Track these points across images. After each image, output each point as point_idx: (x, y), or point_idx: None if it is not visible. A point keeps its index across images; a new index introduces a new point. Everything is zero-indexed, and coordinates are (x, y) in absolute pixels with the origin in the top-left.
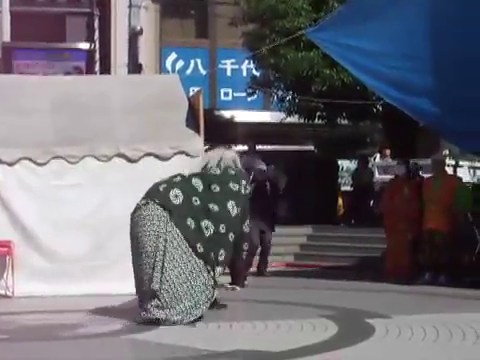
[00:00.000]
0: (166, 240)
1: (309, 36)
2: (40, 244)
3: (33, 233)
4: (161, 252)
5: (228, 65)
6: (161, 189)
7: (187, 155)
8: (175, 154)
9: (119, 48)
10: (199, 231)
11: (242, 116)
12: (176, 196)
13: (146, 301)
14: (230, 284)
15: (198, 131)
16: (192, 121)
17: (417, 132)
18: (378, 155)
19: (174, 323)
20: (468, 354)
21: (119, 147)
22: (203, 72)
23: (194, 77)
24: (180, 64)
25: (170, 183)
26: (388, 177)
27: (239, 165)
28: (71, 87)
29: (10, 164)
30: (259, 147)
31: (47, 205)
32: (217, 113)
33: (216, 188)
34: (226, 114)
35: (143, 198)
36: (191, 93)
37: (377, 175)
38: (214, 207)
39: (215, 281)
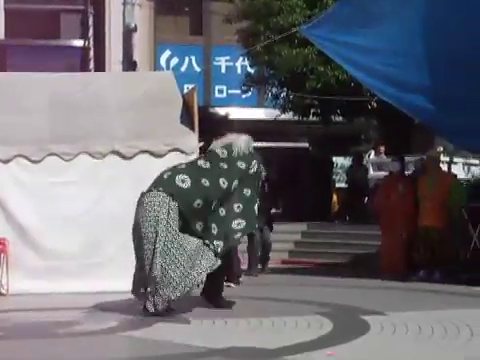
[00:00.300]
0: (167, 225)
1: (303, 33)
2: (35, 242)
3: (28, 230)
4: (161, 238)
5: (222, 62)
6: (165, 177)
7: (182, 152)
8: (170, 151)
9: (113, 45)
10: (206, 209)
11: (236, 113)
12: (183, 181)
13: (148, 289)
14: (225, 281)
15: (192, 128)
16: (187, 118)
17: (412, 129)
18: (372, 152)
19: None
20: (462, 351)
21: (114, 144)
22: (197, 69)
23: (188, 74)
24: (174, 61)
25: (175, 170)
26: (383, 174)
27: (251, 148)
28: (65, 84)
29: (5, 162)
30: (254, 144)
31: (42, 202)
32: (212, 110)
33: (224, 166)
34: (221, 111)
35: (147, 188)
36: (185, 90)
37: (372, 172)
38: (224, 183)
39: (217, 252)
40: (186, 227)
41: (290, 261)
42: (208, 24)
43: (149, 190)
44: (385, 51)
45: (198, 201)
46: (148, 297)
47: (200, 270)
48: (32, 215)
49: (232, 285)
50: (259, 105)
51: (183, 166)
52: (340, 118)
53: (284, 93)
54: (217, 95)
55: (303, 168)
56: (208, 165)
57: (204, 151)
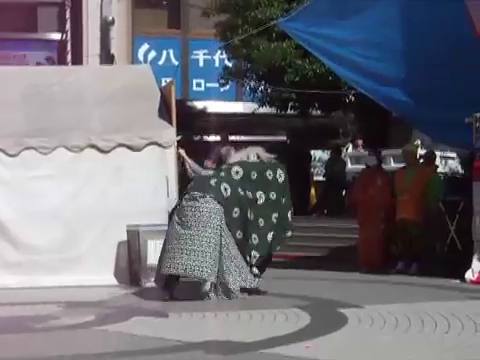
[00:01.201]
0: (223, 231)
1: (281, 26)
2: (12, 236)
3: (5, 225)
4: (215, 244)
5: (200, 55)
6: (213, 184)
7: (159, 146)
8: (147, 145)
9: (91, 38)
10: (242, 218)
11: (214, 107)
12: (225, 189)
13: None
14: None
15: (170, 122)
16: (164, 112)
17: (389, 122)
18: (350, 145)
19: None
20: (440, 343)
21: (91, 138)
22: (175, 62)
23: (166, 67)
24: (152, 54)
25: (219, 178)
26: (361, 167)
27: (264, 158)
28: (43, 78)
29: None
30: (232, 138)
31: (19, 196)
32: (189, 104)
33: (254, 175)
34: (198, 105)
35: (196, 190)
36: (163, 83)
37: (349, 165)
38: (250, 193)
39: (251, 265)
40: (231, 234)
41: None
42: (186, 17)
43: (202, 195)
44: (363, 44)
45: (235, 209)
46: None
47: (235, 285)
48: (9, 209)
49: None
50: (237, 99)
51: (222, 174)
52: (318, 112)
53: (262, 87)
54: (195, 88)
55: (281, 161)
56: (240, 175)
57: (181, 145)
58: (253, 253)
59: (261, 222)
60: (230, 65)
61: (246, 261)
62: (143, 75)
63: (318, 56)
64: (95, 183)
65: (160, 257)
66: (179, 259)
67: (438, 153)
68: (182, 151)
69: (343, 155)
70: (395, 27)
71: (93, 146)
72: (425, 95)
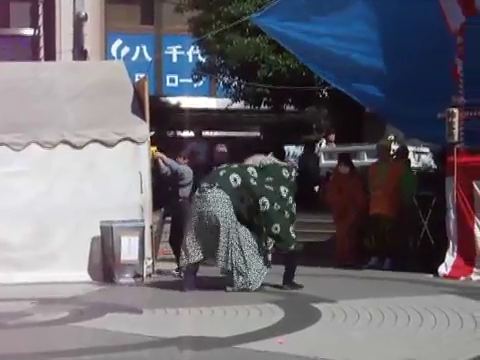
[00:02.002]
0: (229, 222)
1: (254, 21)
2: None
3: None
4: (224, 232)
5: (174, 51)
6: (221, 174)
7: (132, 141)
8: (120, 141)
9: (64, 34)
10: (255, 207)
11: (188, 102)
12: (235, 180)
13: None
14: (177, 270)
15: (144, 117)
16: (137, 108)
17: (363, 118)
18: (324, 141)
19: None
20: (413, 337)
21: (64, 134)
22: (149, 58)
23: (140, 63)
24: (125, 50)
25: (229, 169)
26: (334, 162)
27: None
28: (15, 73)
29: None
30: (205, 133)
31: None
32: (163, 99)
33: (271, 174)
34: (172, 100)
35: (205, 182)
36: (137, 79)
37: (323, 160)
38: (269, 188)
39: (267, 250)
40: (243, 222)
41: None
42: (159, 13)
43: (209, 186)
44: (336, 39)
45: (248, 198)
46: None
47: (255, 276)
48: None
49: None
50: (211, 94)
51: (235, 166)
52: (291, 107)
53: (235, 82)
54: (168, 84)
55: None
56: (257, 171)
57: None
58: (269, 240)
59: (287, 215)
60: (203, 61)
61: (263, 247)
62: (116, 71)
63: (291, 51)
64: (68, 179)
65: (182, 248)
66: (195, 249)
67: (411, 148)
68: (154, 148)
69: (316, 150)
70: (369, 23)
71: (66, 142)
72: (398, 90)
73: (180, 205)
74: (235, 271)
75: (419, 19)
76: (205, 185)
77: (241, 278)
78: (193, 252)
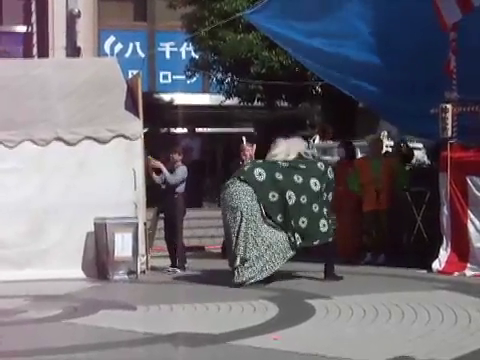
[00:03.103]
0: (249, 212)
1: (247, 18)
2: None
3: None
4: (243, 222)
5: (167, 48)
6: (246, 169)
7: (126, 138)
8: (114, 137)
9: (57, 31)
10: (281, 202)
11: (181, 99)
12: (260, 174)
13: (235, 264)
14: (171, 267)
15: (137, 114)
16: (131, 104)
17: (356, 113)
18: (317, 136)
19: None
20: (407, 333)
21: (57, 131)
22: (142, 55)
23: (133, 60)
24: (119, 47)
25: (254, 163)
26: (327, 158)
27: (308, 154)
28: (8, 70)
29: None
30: (199, 130)
31: None
32: (156, 96)
33: (301, 166)
34: (165, 97)
35: (231, 177)
36: (130, 76)
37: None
38: (298, 180)
39: (295, 245)
40: (267, 218)
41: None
42: (152, 10)
43: (233, 181)
44: (329, 35)
45: (273, 193)
46: (235, 271)
47: (273, 263)
48: None
49: (178, 270)
50: (204, 91)
51: (260, 161)
52: (285, 103)
53: (229, 78)
54: (162, 81)
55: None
56: (286, 164)
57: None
58: (297, 236)
59: (315, 207)
60: (197, 57)
61: (290, 243)
62: (109, 68)
63: (284, 47)
64: (62, 176)
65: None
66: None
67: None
68: (153, 161)
69: (310, 146)
70: (363, 18)
71: (59, 139)
72: (392, 86)
73: (175, 202)
74: (246, 262)
75: (413, 15)
76: (229, 180)
77: (250, 270)
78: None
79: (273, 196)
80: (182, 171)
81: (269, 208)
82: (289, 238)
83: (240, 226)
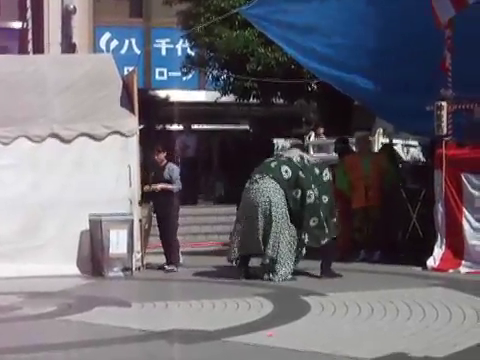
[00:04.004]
0: (279, 211)
1: (243, 14)
2: None
3: None
4: (276, 221)
5: (163, 44)
6: (273, 166)
7: (121, 135)
8: (109, 134)
9: (52, 27)
10: (302, 200)
11: (177, 95)
12: (286, 171)
13: (265, 261)
14: (168, 265)
15: (133, 111)
16: (126, 101)
17: (351, 110)
18: (312, 134)
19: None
20: (401, 329)
21: (53, 127)
22: (138, 51)
23: (129, 56)
24: (114, 43)
25: (279, 161)
26: (323, 155)
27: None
28: (4, 66)
29: None
30: (194, 126)
31: None
32: (152, 93)
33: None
34: (161, 94)
35: (257, 173)
36: (126, 73)
37: (312, 153)
38: (320, 178)
39: (304, 244)
40: (290, 216)
41: (232, 242)
42: (148, 6)
43: (261, 177)
44: (325, 31)
45: (296, 190)
46: (266, 270)
47: (296, 261)
48: None
49: (176, 269)
50: (200, 87)
51: (284, 158)
52: (280, 100)
53: (224, 75)
54: (158, 77)
55: (244, 150)
56: (300, 164)
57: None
58: (306, 235)
59: (322, 208)
60: (192, 54)
61: (302, 242)
62: (105, 64)
63: (279, 44)
64: (57, 173)
65: (231, 239)
66: (244, 241)
67: (400, 141)
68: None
69: (306, 143)
70: (358, 15)
71: (55, 135)
72: (387, 83)
73: (170, 200)
74: (280, 261)
75: (408, 12)
76: (257, 176)
77: (283, 269)
78: (246, 242)
79: (296, 194)
80: (176, 171)
81: (291, 205)
82: (300, 236)
83: (271, 224)
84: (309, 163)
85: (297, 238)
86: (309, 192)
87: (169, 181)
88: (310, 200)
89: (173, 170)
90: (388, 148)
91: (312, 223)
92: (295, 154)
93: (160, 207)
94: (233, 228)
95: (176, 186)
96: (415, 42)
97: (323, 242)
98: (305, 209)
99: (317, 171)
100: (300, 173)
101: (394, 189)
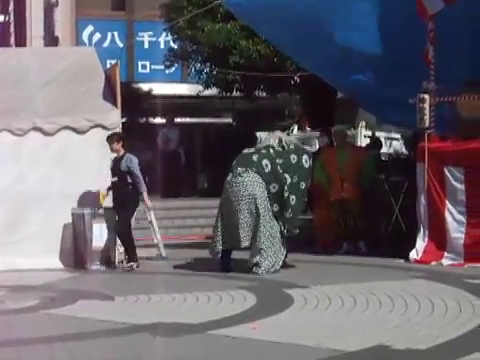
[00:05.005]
0: (262, 204)
1: (225, 4)
2: None
3: None
4: (260, 215)
5: (145, 37)
6: (255, 159)
7: (104, 128)
8: (92, 127)
9: (34, 20)
10: (280, 194)
11: (160, 89)
12: (266, 165)
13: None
14: (127, 262)
15: (115, 104)
16: (109, 94)
17: (335, 103)
18: (295, 126)
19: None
20: (384, 322)
21: (35, 121)
22: (120, 44)
23: (111, 49)
24: (97, 36)
25: (260, 154)
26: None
27: (288, 143)
28: None
29: None
30: (177, 120)
31: None
32: (135, 86)
33: (289, 155)
34: (144, 87)
35: (239, 166)
36: (108, 66)
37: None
38: (299, 164)
39: (283, 234)
40: (271, 208)
41: (215, 236)
42: None
43: (244, 170)
44: (307, 22)
45: (274, 184)
46: (256, 264)
47: (281, 253)
48: None
49: (135, 266)
50: (183, 80)
51: (263, 151)
52: (263, 93)
53: (207, 68)
54: (140, 70)
55: (227, 143)
56: (275, 155)
57: (126, 128)
58: (287, 227)
59: (293, 200)
60: (175, 47)
61: (282, 233)
62: (87, 57)
63: (262, 35)
64: (39, 166)
65: (214, 233)
66: (227, 235)
67: (383, 134)
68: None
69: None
70: (340, 5)
71: (38, 129)
72: (371, 74)
73: (125, 192)
74: (263, 253)
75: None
76: (240, 169)
77: (266, 262)
78: (230, 236)
79: (274, 187)
80: (135, 162)
81: (271, 199)
82: (280, 228)
83: (255, 218)
84: (288, 147)
85: (279, 231)
86: (286, 187)
87: (127, 172)
88: (286, 194)
89: (131, 161)
90: (376, 143)
91: (288, 215)
92: (275, 137)
93: (116, 200)
94: (215, 221)
95: (141, 185)
96: (398, 33)
97: (296, 232)
98: (283, 202)
99: (295, 158)
100: (278, 168)
101: (375, 182)
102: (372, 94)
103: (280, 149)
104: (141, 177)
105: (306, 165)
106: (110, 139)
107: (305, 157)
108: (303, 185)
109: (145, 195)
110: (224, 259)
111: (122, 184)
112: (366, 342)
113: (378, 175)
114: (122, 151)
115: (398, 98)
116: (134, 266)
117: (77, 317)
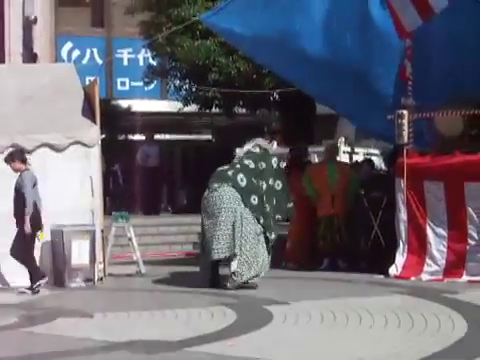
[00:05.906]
0: (241, 216)
1: (204, 21)
2: None
3: None
4: (239, 225)
5: (125, 54)
6: (230, 174)
7: (83, 145)
8: (71, 144)
9: (13, 37)
10: (261, 205)
11: (139, 105)
12: (241, 180)
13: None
14: (31, 288)
15: (94, 121)
16: (88, 111)
17: (314, 119)
18: (275, 143)
19: (245, 283)
20: (364, 338)
21: (14, 137)
22: (99, 61)
23: (90, 66)
24: (76, 53)
25: (235, 169)
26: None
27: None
28: None
29: None
30: (157, 136)
31: None
32: (114, 102)
33: (262, 165)
34: (123, 103)
35: (215, 182)
36: (87, 83)
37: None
38: (263, 184)
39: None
40: (255, 220)
41: (194, 253)
42: (110, 16)
43: (220, 185)
44: (289, 36)
45: (253, 197)
46: (232, 275)
47: (266, 263)
48: None
49: (28, 292)
50: (162, 97)
51: (238, 166)
52: (243, 110)
53: (187, 85)
54: (119, 87)
55: (206, 160)
56: (252, 165)
57: (106, 145)
58: (273, 235)
59: (267, 207)
60: (154, 63)
61: (267, 240)
62: (66, 74)
63: (241, 49)
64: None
65: (202, 246)
66: (211, 246)
67: (362, 150)
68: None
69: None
70: (325, 20)
71: (16, 146)
72: (353, 86)
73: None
74: (246, 264)
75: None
76: (216, 185)
77: (252, 270)
78: (214, 249)
79: (254, 199)
80: (27, 179)
81: (253, 211)
82: (266, 236)
83: (238, 227)
84: (264, 151)
85: (262, 241)
86: (265, 197)
87: (18, 190)
88: (267, 205)
89: (23, 179)
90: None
91: (272, 222)
92: (252, 143)
93: (17, 220)
94: (201, 236)
95: (29, 197)
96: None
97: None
98: (267, 213)
99: (265, 162)
100: (253, 179)
101: (357, 198)
102: (353, 105)
103: (256, 151)
104: (29, 198)
105: (275, 165)
106: (10, 157)
107: (274, 159)
108: (279, 185)
109: (26, 219)
110: (210, 273)
111: (18, 203)
112: (346, 358)
113: (369, 192)
114: (24, 168)
115: (381, 111)
116: (27, 291)
117: (56, 335)
